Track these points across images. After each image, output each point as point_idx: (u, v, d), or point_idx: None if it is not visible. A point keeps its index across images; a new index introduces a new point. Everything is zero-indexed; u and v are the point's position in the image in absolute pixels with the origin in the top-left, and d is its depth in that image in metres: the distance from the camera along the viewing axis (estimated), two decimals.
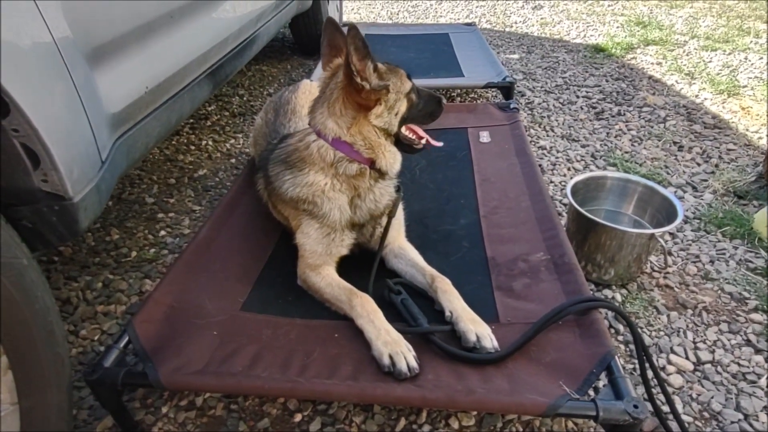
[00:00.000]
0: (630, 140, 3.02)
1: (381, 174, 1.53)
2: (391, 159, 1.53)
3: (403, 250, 1.62)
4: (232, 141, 3.14)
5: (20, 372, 1.04)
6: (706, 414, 1.47)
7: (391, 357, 1.22)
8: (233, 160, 2.91)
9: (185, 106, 2.01)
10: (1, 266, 0.97)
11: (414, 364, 1.22)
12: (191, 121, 3.37)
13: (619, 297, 1.88)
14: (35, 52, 1.16)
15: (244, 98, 3.81)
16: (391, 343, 1.26)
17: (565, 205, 2.39)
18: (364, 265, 1.57)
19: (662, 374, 1.58)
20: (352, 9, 6.54)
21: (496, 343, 1.29)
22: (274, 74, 4.31)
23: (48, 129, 1.12)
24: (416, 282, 1.54)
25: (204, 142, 3.10)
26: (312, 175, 1.53)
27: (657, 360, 1.63)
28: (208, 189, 2.63)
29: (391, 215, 1.56)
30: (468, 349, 1.28)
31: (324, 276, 1.50)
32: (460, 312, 1.36)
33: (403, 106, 1.50)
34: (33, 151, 1.14)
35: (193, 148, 3.05)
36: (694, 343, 1.70)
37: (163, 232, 2.30)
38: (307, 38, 4.43)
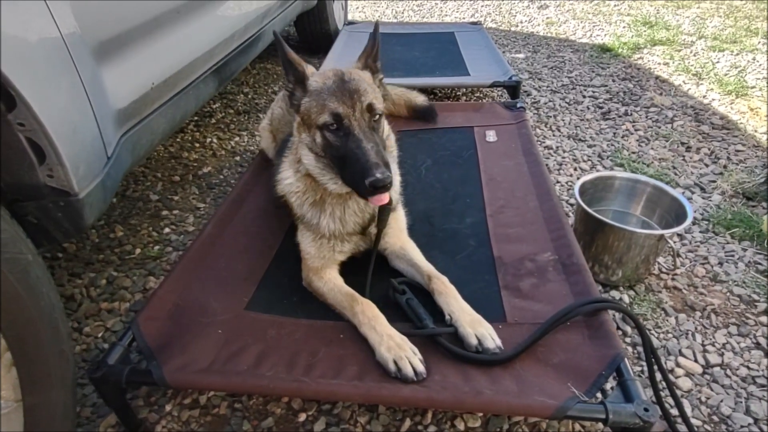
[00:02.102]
0: (637, 140, 2.99)
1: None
2: (330, 183, 1.42)
3: (404, 251, 1.60)
4: (237, 139, 3.13)
5: (24, 369, 1.03)
6: (715, 417, 1.45)
7: (395, 362, 1.21)
8: (238, 158, 2.90)
9: (190, 103, 2.01)
10: (7, 262, 0.96)
11: (421, 368, 1.20)
12: (196, 118, 3.36)
13: (626, 298, 1.86)
14: (42, 46, 1.15)
15: (249, 96, 3.80)
16: (394, 348, 1.24)
17: (571, 205, 2.37)
18: (367, 265, 1.54)
19: (671, 377, 1.56)
20: (357, 8, 6.53)
21: (498, 341, 1.27)
22: (279, 72, 4.30)
23: (54, 124, 1.12)
24: (417, 281, 1.53)
25: (209, 140, 3.09)
26: (285, 170, 1.57)
27: (665, 362, 1.61)
28: (213, 186, 2.62)
29: (380, 227, 1.52)
30: (473, 352, 1.27)
31: (326, 281, 1.48)
32: (459, 314, 1.34)
33: (317, 136, 1.36)
34: (39, 146, 1.13)
35: (197, 145, 3.04)
36: (703, 345, 1.68)
37: (167, 230, 2.29)
38: (312, 36, 4.43)
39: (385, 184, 1.23)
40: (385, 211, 1.50)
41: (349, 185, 1.35)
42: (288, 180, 1.56)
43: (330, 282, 1.48)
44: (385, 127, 1.49)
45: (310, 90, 1.38)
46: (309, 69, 1.44)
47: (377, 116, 1.37)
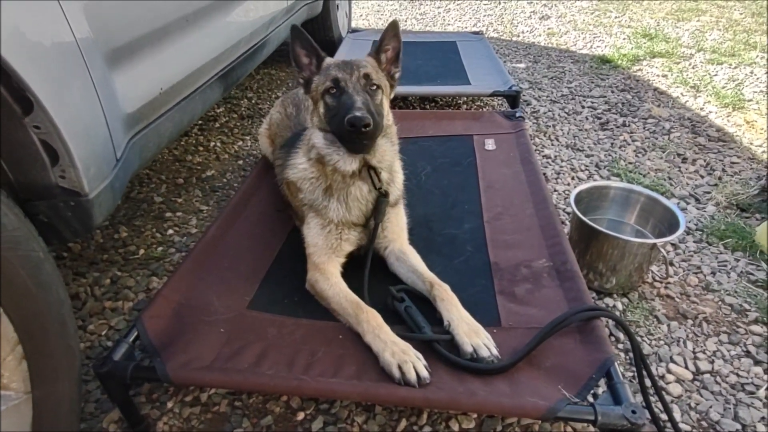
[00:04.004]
0: (634, 151, 3.04)
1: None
2: (335, 156, 1.51)
3: (404, 254, 1.64)
4: (240, 143, 3.18)
5: (34, 362, 1.07)
6: (704, 423, 1.48)
7: (399, 367, 1.23)
8: (241, 162, 2.95)
9: (197, 108, 2.06)
10: (20, 259, 1.01)
11: (424, 373, 1.22)
12: (200, 122, 3.42)
13: (620, 306, 1.90)
14: (59, 53, 1.20)
15: (253, 101, 3.86)
16: (399, 353, 1.26)
17: (568, 213, 2.42)
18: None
19: (662, 383, 1.60)
20: (361, 15, 6.61)
21: (495, 351, 1.30)
22: (282, 78, 4.37)
23: (68, 127, 1.16)
24: (417, 288, 1.56)
25: (212, 144, 3.15)
26: (299, 157, 1.66)
27: (657, 369, 1.65)
28: (216, 189, 2.67)
29: (377, 220, 1.58)
30: (467, 360, 1.29)
31: (332, 284, 1.51)
32: (457, 322, 1.37)
33: (321, 107, 1.51)
34: (52, 148, 1.17)
35: (201, 149, 3.09)
36: (694, 353, 1.71)
37: (170, 231, 2.33)
38: (316, 42, 4.48)
39: (363, 122, 1.33)
40: (382, 202, 1.57)
41: (336, 135, 1.46)
42: (302, 165, 1.65)
43: (336, 286, 1.50)
44: (387, 112, 1.58)
45: (322, 68, 1.54)
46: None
47: (374, 86, 1.50)
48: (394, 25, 1.56)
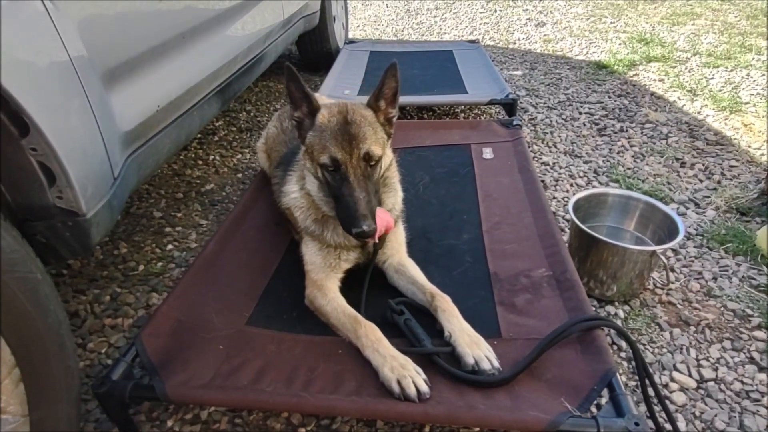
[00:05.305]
0: (632, 156, 3.04)
1: None
2: (326, 208, 1.51)
3: (403, 267, 1.64)
4: (239, 156, 3.19)
5: (32, 384, 1.06)
6: None
7: (399, 382, 1.23)
8: (240, 175, 2.96)
9: (195, 123, 2.07)
10: (18, 281, 1.01)
11: (424, 388, 1.21)
12: (199, 136, 3.43)
13: (621, 313, 1.89)
14: (54, 74, 1.21)
15: (251, 114, 3.88)
16: (398, 368, 1.26)
17: (567, 221, 2.41)
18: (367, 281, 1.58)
19: (665, 391, 1.58)
20: (358, 26, 6.66)
21: (496, 363, 1.29)
22: (280, 90, 4.39)
23: (65, 148, 1.17)
24: (417, 299, 1.55)
25: (211, 157, 3.16)
26: (292, 184, 1.65)
27: (660, 377, 1.63)
28: (215, 203, 2.67)
29: (376, 247, 1.58)
30: (468, 372, 1.29)
31: (330, 299, 1.50)
32: (458, 333, 1.36)
33: (318, 171, 1.44)
34: (49, 169, 1.18)
35: (200, 162, 3.10)
36: (697, 360, 1.70)
37: (170, 246, 2.33)
38: (313, 55, 4.52)
39: (368, 236, 1.34)
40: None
41: (340, 222, 1.42)
42: (294, 194, 1.64)
43: (333, 301, 1.50)
44: (387, 157, 1.53)
45: (316, 125, 1.43)
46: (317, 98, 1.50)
47: (374, 162, 1.42)
48: (393, 67, 1.48)
